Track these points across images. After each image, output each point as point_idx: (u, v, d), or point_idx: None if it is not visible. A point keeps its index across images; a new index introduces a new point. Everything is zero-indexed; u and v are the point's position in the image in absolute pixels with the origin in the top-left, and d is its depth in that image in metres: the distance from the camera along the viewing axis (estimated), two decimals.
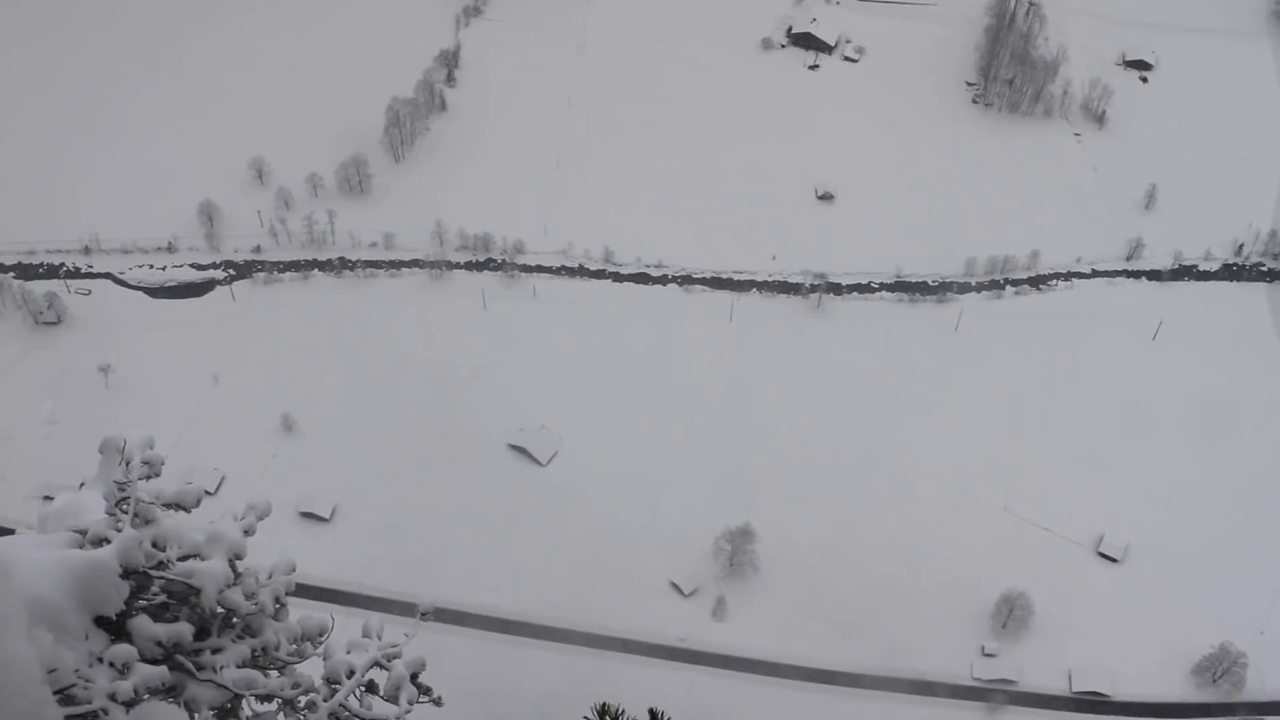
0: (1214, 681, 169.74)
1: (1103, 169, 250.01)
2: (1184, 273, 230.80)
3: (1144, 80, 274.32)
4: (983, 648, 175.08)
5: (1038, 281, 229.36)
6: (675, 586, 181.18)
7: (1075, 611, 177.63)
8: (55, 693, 11.19)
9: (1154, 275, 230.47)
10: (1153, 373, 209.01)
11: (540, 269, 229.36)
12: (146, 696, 13.50)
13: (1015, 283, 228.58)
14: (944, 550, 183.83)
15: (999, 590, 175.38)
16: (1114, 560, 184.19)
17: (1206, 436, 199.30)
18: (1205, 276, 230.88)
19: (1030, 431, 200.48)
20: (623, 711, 12.20)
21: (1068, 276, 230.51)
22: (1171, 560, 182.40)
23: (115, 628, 14.41)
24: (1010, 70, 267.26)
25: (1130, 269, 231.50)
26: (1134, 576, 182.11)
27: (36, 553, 13.78)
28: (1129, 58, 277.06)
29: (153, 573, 14.92)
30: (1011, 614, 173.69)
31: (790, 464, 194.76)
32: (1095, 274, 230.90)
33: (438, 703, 16.69)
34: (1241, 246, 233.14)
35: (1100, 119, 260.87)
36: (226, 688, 15.06)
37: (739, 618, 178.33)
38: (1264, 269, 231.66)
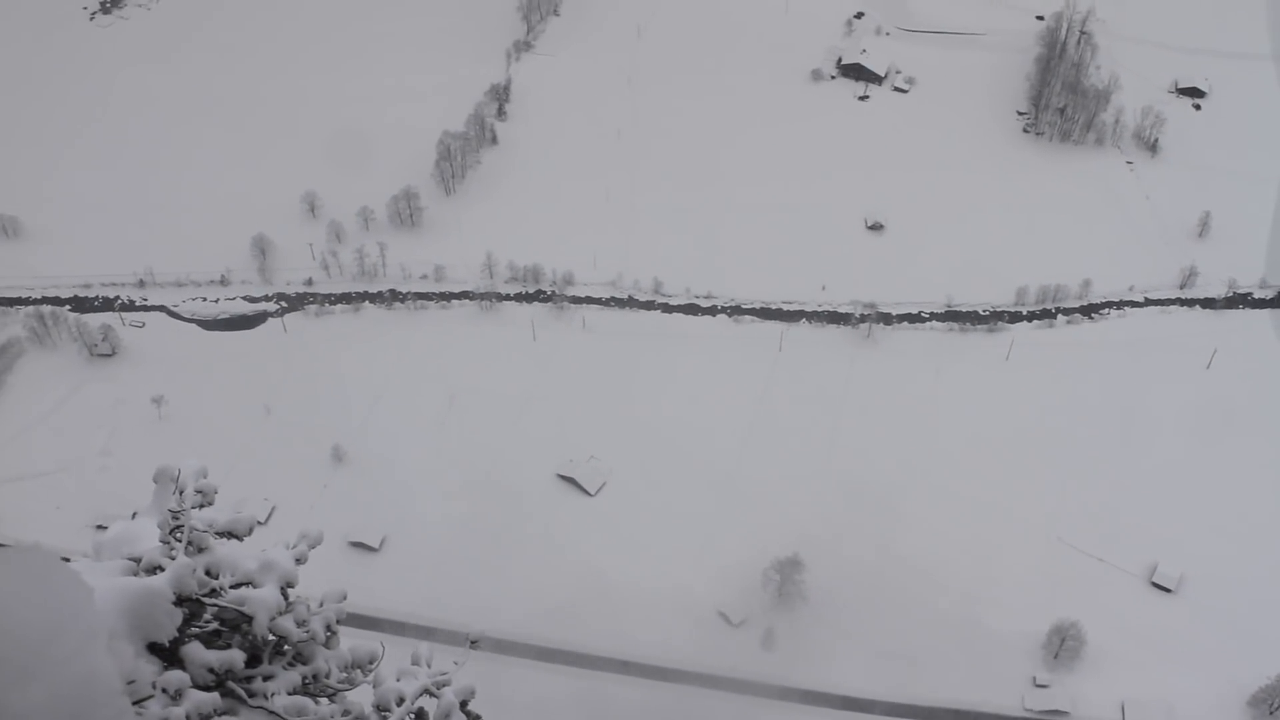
0: (1271, 714, 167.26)
1: (1155, 197, 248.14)
2: (1238, 300, 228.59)
3: (1197, 108, 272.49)
4: (1034, 678, 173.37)
5: (1090, 310, 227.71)
6: (724, 616, 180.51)
7: (1129, 642, 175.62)
8: (133, 704, 11.43)
9: (1208, 303, 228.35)
10: (1206, 402, 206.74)
11: (589, 300, 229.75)
12: None
13: (1067, 312, 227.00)
14: (995, 580, 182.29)
15: (1050, 620, 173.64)
16: (1168, 590, 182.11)
17: (1261, 466, 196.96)
18: (1260, 305, 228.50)
19: (1083, 461, 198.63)
20: None
21: (1120, 305, 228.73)
22: (1227, 590, 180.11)
23: (168, 654, 14.56)
24: (1061, 99, 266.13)
25: (1184, 297, 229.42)
26: (1188, 607, 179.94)
27: (92, 580, 13.95)
28: (1182, 85, 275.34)
29: (205, 600, 15.07)
30: (1063, 644, 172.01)
31: (840, 494, 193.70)
32: (1148, 302, 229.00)
33: None
34: None
35: (1153, 147, 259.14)
36: (278, 714, 15.16)
37: (788, 648, 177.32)
38: None
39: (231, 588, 15.43)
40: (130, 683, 10.71)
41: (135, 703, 11.96)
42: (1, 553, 8.77)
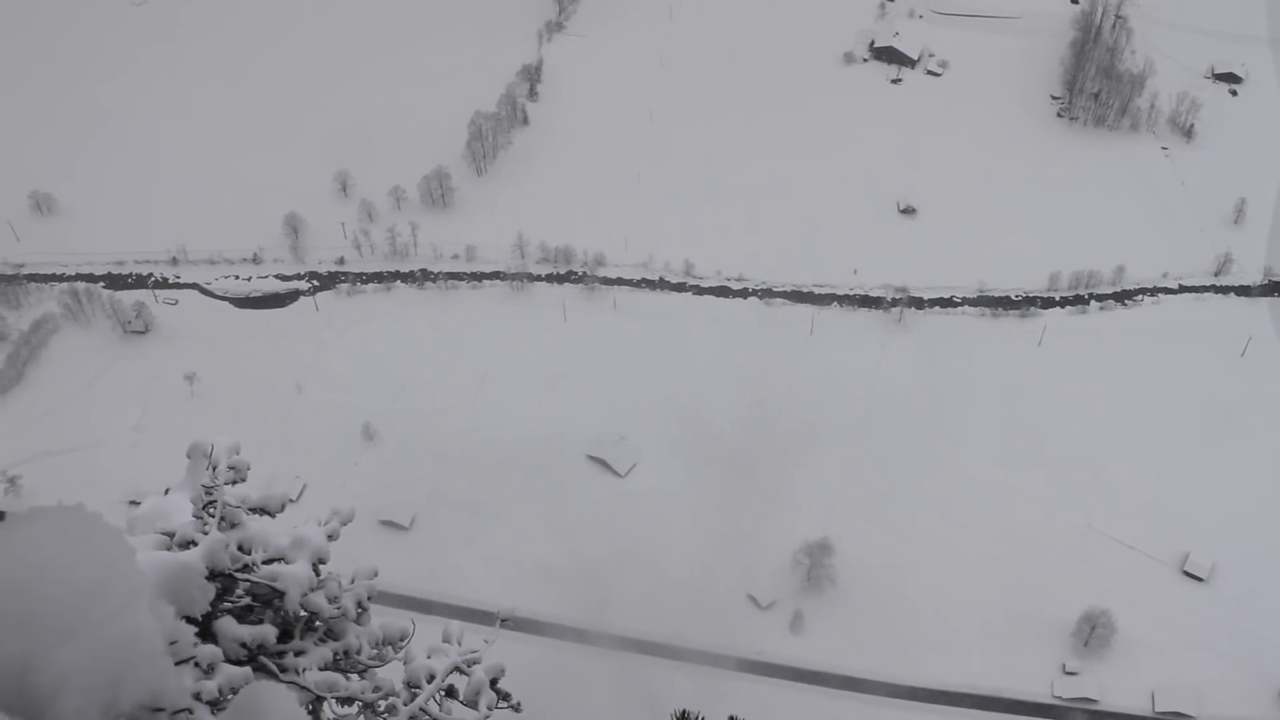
0: None
1: (1191, 183, 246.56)
2: (1274, 288, 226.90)
3: (1233, 93, 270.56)
4: (1064, 665, 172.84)
5: (1123, 296, 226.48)
6: (753, 599, 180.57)
7: (1159, 630, 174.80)
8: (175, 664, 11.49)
9: (1243, 291, 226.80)
10: (1241, 390, 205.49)
11: (621, 281, 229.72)
12: (230, 696, 13.69)
13: (1100, 298, 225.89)
14: (1025, 566, 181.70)
15: (1081, 607, 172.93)
16: (1199, 579, 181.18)
17: None
18: None
19: (1115, 448, 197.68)
20: (702, 718, 12.13)
21: (1154, 292, 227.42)
22: (1258, 580, 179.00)
23: (201, 629, 14.62)
24: (1096, 83, 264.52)
25: (1218, 284, 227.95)
26: (1219, 596, 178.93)
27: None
28: (1218, 70, 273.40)
29: (238, 575, 15.10)
30: (1093, 632, 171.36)
31: (870, 478, 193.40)
32: (1182, 289, 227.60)
33: (516, 708, 16.77)
34: None
35: (1188, 132, 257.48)
36: (309, 690, 15.20)
37: (816, 631, 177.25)
38: None
39: (264, 563, 15.47)
40: (172, 643, 10.77)
41: (176, 663, 12.05)
42: (45, 511, 8.82)
